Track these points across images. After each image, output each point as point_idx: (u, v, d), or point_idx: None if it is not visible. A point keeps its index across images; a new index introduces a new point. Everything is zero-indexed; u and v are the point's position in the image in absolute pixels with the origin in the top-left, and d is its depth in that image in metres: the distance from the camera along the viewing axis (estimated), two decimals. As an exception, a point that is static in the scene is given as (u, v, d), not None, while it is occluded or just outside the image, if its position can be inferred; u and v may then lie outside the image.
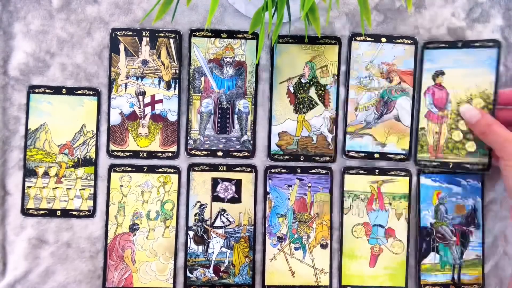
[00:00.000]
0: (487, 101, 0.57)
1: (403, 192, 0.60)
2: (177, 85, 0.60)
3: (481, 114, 0.55)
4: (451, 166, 0.59)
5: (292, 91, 0.60)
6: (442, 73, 0.59)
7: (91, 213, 0.59)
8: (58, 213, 0.59)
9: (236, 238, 0.60)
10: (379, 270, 0.60)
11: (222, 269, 0.59)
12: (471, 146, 0.58)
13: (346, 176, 0.60)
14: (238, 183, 0.60)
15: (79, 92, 0.59)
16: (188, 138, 0.60)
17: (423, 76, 0.60)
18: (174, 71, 0.60)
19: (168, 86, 0.60)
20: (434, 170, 0.60)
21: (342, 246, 0.60)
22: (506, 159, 0.52)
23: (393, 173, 0.60)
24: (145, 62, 0.60)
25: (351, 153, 0.60)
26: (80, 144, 0.59)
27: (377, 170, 0.60)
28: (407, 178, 0.60)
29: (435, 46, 0.59)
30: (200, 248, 0.59)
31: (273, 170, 0.60)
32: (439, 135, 0.59)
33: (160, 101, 0.60)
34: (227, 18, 0.60)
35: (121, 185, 0.59)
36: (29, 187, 0.59)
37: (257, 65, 0.60)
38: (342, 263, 0.60)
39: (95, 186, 0.59)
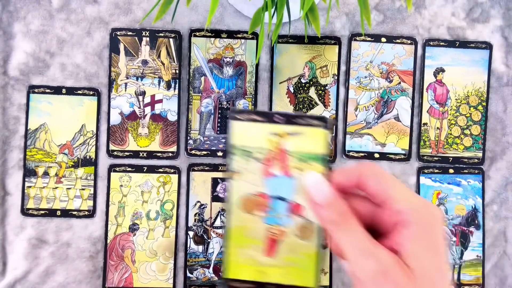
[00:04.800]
0: (481, 99, 0.59)
1: (318, 153, 0.40)
2: (177, 85, 0.60)
3: (335, 196, 0.35)
4: (450, 160, 0.60)
5: (292, 91, 0.60)
6: (442, 70, 0.60)
7: (91, 213, 0.59)
8: (58, 213, 0.59)
9: (236, 238, 0.59)
10: (279, 262, 0.42)
11: (222, 269, 0.59)
12: (467, 141, 0.60)
13: (234, 124, 0.39)
14: (238, 183, 0.60)
15: (79, 92, 0.59)
16: (188, 138, 0.60)
17: (424, 72, 0.60)
18: (174, 71, 0.60)
19: (168, 86, 0.60)
20: (435, 165, 0.60)
21: (228, 226, 0.42)
22: (358, 278, 0.33)
23: (303, 122, 0.40)
24: (145, 62, 0.60)
25: (351, 153, 0.60)
26: (80, 144, 0.59)
27: (279, 117, 0.40)
28: (325, 131, 0.40)
29: (435, 44, 0.60)
30: (200, 248, 0.59)
31: (273, 170, 0.60)
32: (440, 130, 0.60)
33: (160, 101, 0.60)
34: (227, 18, 0.60)
35: (121, 185, 0.59)
36: (29, 187, 0.59)
37: (257, 65, 0.60)
38: (227, 248, 0.42)
39: (95, 186, 0.59)
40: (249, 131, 0.40)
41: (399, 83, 0.60)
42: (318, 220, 0.38)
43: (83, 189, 0.59)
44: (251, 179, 0.41)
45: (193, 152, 0.60)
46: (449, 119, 0.60)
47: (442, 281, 0.32)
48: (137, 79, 0.59)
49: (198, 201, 0.60)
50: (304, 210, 0.41)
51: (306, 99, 0.60)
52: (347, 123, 0.60)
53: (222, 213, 0.60)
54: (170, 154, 0.59)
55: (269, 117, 0.40)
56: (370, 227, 0.34)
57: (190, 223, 0.59)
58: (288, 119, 0.40)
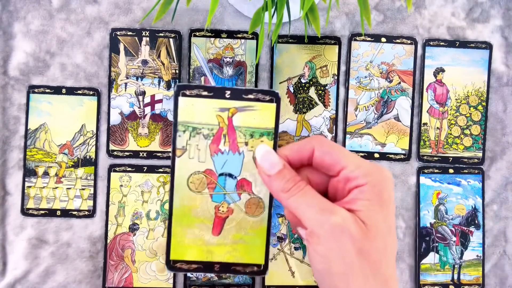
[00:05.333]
0: (481, 99, 0.59)
1: (267, 127, 0.40)
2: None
3: (284, 165, 0.37)
4: (450, 160, 0.60)
5: (292, 91, 0.60)
6: (442, 70, 0.60)
7: (91, 213, 0.59)
8: (58, 213, 0.59)
9: (236, 238, 0.60)
10: (227, 240, 0.42)
11: (222, 269, 0.59)
12: (467, 141, 0.60)
13: (181, 99, 0.40)
14: (238, 183, 0.60)
15: (79, 92, 0.59)
16: (188, 138, 0.60)
17: (424, 72, 0.60)
18: (174, 71, 0.60)
19: (168, 86, 0.60)
20: (435, 165, 0.60)
21: (172, 204, 0.41)
22: (312, 242, 0.35)
23: (251, 96, 0.40)
24: (145, 62, 0.60)
25: (351, 153, 0.60)
26: (80, 144, 0.59)
27: (228, 92, 0.40)
28: (273, 105, 0.40)
29: (435, 44, 0.60)
30: (200, 248, 0.59)
31: (273, 170, 0.60)
32: (440, 130, 0.60)
33: (160, 101, 0.60)
34: (227, 18, 0.60)
35: (121, 185, 0.59)
36: (29, 187, 0.59)
37: (257, 65, 0.60)
38: (171, 229, 0.41)
39: (95, 186, 0.59)
40: (196, 106, 0.39)
41: (399, 83, 0.60)
42: (270, 191, 0.37)
43: (83, 189, 0.59)
44: (198, 156, 0.39)
45: (193, 152, 0.60)
46: (449, 119, 0.61)
47: (390, 234, 0.35)
48: (137, 79, 0.60)
49: (198, 201, 0.60)
50: (252, 186, 0.40)
51: (306, 99, 0.60)
52: (347, 123, 0.60)
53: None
54: (170, 154, 0.59)
55: (218, 92, 0.38)
56: (322, 194, 0.36)
57: (190, 223, 0.59)
58: (238, 94, 0.39)
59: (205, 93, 0.39)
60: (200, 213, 0.41)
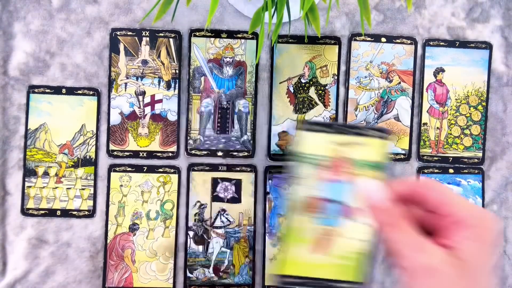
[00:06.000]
0: (481, 99, 0.60)
1: (378, 161, 0.44)
2: (177, 85, 0.60)
3: (391, 201, 0.39)
4: (450, 160, 0.60)
5: (292, 91, 0.60)
6: (442, 70, 0.60)
7: (91, 213, 0.59)
8: (58, 213, 0.59)
9: (236, 238, 0.60)
10: (331, 259, 0.45)
11: (222, 269, 0.59)
12: (467, 141, 0.60)
13: (303, 134, 0.44)
14: (238, 183, 0.60)
15: (79, 92, 0.59)
16: (188, 138, 0.60)
17: (424, 72, 0.60)
18: (174, 71, 0.60)
19: (168, 86, 0.60)
20: (435, 165, 0.60)
21: (287, 226, 0.45)
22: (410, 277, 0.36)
23: (365, 133, 0.44)
24: (145, 62, 0.60)
25: (351, 153, 0.60)
26: (80, 144, 0.59)
27: (345, 128, 0.44)
28: (384, 142, 0.44)
29: (435, 44, 0.60)
30: (200, 248, 0.59)
31: (273, 170, 0.60)
32: (440, 130, 0.60)
33: (160, 101, 0.60)
34: (227, 18, 0.60)
35: (121, 185, 0.59)
36: (29, 187, 0.59)
37: (257, 65, 0.60)
38: (283, 246, 0.46)
39: (95, 186, 0.59)
40: (315, 140, 0.44)
41: (399, 83, 0.60)
42: (375, 222, 0.40)
43: (83, 189, 0.59)
44: (312, 183, 0.44)
45: (193, 152, 0.60)
46: (449, 119, 0.61)
47: (489, 275, 0.35)
48: (137, 79, 0.60)
49: (198, 201, 0.60)
50: (357, 213, 0.44)
51: (306, 99, 0.60)
52: (347, 123, 0.60)
53: (222, 213, 0.60)
54: (170, 154, 0.59)
55: (335, 128, 0.43)
56: (419, 229, 0.38)
57: (190, 223, 0.60)
58: (353, 131, 0.44)
59: (326, 129, 0.43)
60: (309, 234, 0.45)
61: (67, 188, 0.59)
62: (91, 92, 0.59)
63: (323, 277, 0.45)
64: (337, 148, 0.44)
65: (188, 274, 0.59)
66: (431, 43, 0.60)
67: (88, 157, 0.59)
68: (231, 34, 0.60)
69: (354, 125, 0.44)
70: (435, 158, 0.60)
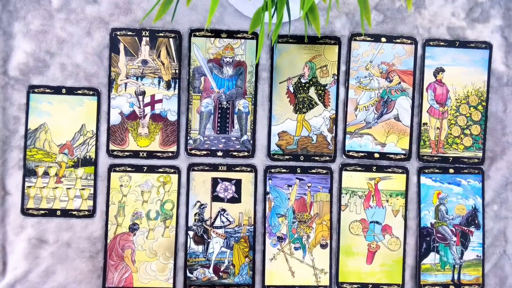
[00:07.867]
0: (481, 99, 0.60)
1: (400, 190, 0.60)
2: (177, 85, 0.60)
3: None
4: (450, 160, 0.60)
5: (292, 91, 0.60)
6: (442, 70, 0.60)
7: (91, 213, 0.59)
8: (58, 213, 0.59)
9: (236, 238, 0.60)
10: (376, 267, 0.60)
11: (222, 269, 0.59)
12: (467, 141, 0.60)
13: (344, 173, 0.60)
14: (238, 183, 0.60)
15: (79, 92, 0.59)
16: (188, 138, 0.60)
17: (424, 72, 0.60)
18: (174, 71, 0.60)
19: (168, 86, 0.60)
20: (435, 165, 0.60)
21: (339, 243, 0.60)
22: None
23: (390, 170, 0.60)
24: (145, 62, 0.60)
25: (351, 153, 0.60)
26: (80, 144, 0.59)
27: (374, 167, 0.60)
28: (404, 176, 0.60)
29: (435, 44, 0.60)
30: (200, 248, 0.59)
31: (273, 170, 0.60)
32: (440, 130, 0.60)
33: (160, 101, 0.60)
34: (227, 18, 0.60)
35: (121, 185, 0.59)
36: (29, 187, 0.59)
37: (257, 65, 0.60)
38: (339, 260, 0.60)
39: (95, 186, 0.59)
40: (354, 177, 0.60)
41: (399, 83, 0.60)
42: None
43: (83, 189, 0.59)
44: (355, 209, 0.60)
45: (193, 152, 0.60)
46: (449, 119, 0.60)
47: None
48: (137, 79, 0.60)
49: (198, 201, 0.60)
50: (392, 230, 0.60)
51: (306, 99, 0.60)
52: (347, 123, 0.60)
53: (222, 213, 0.60)
54: (170, 154, 0.59)
55: (367, 167, 0.60)
56: None
57: (190, 223, 0.59)
58: (380, 168, 0.60)
59: (359, 168, 0.60)
60: (357, 249, 0.60)
61: (67, 188, 0.59)
62: (91, 92, 0.59)
63: (371, 282, 0.60)
64: (370, 182, 0.61)
65: (188, 274, 0.59)
66: (431, 43, 0.60)
67: (88, 157, 0.59)
68: (231, 34, 0.60)
69: (381, 165, 0.60)
70: (435, 158, 0.60)
